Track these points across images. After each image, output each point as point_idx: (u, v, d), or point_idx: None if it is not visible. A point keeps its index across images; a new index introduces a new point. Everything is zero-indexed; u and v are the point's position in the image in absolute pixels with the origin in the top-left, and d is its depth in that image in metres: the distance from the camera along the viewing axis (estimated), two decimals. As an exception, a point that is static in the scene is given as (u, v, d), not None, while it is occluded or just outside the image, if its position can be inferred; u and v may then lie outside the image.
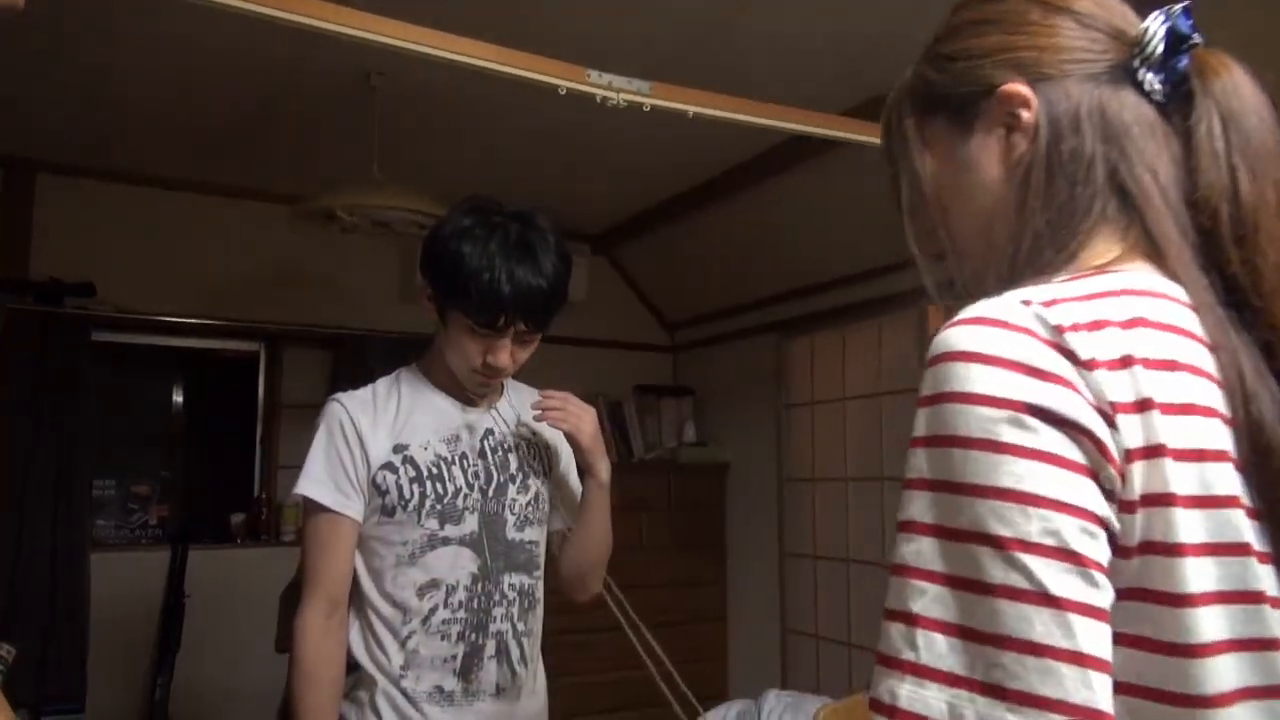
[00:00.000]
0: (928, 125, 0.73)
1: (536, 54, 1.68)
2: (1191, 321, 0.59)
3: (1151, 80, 0.66)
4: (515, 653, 1.48)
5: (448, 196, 1.53)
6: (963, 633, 0.51)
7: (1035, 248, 0.65)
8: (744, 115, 1.87)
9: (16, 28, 2.23)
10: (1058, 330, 0.55)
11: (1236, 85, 0.65)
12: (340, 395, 1.50)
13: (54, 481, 3.20)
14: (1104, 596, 0.51)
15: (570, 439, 1.51)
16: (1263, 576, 0.55)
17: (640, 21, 2.29)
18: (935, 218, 0.72)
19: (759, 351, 3.94)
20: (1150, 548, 0.53)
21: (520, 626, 1.50)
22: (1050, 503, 0.51)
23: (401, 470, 1.45)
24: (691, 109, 1.79)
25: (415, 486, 1.45)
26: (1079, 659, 0.49)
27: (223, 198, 3.61)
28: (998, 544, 0.51)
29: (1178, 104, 0.66)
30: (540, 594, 1.55)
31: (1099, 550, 0.52)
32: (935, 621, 0.51)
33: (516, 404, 1.59)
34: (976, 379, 0.54)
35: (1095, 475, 0.53)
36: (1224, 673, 0.53)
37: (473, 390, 1.51)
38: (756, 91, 1.94)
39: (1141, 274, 0.62)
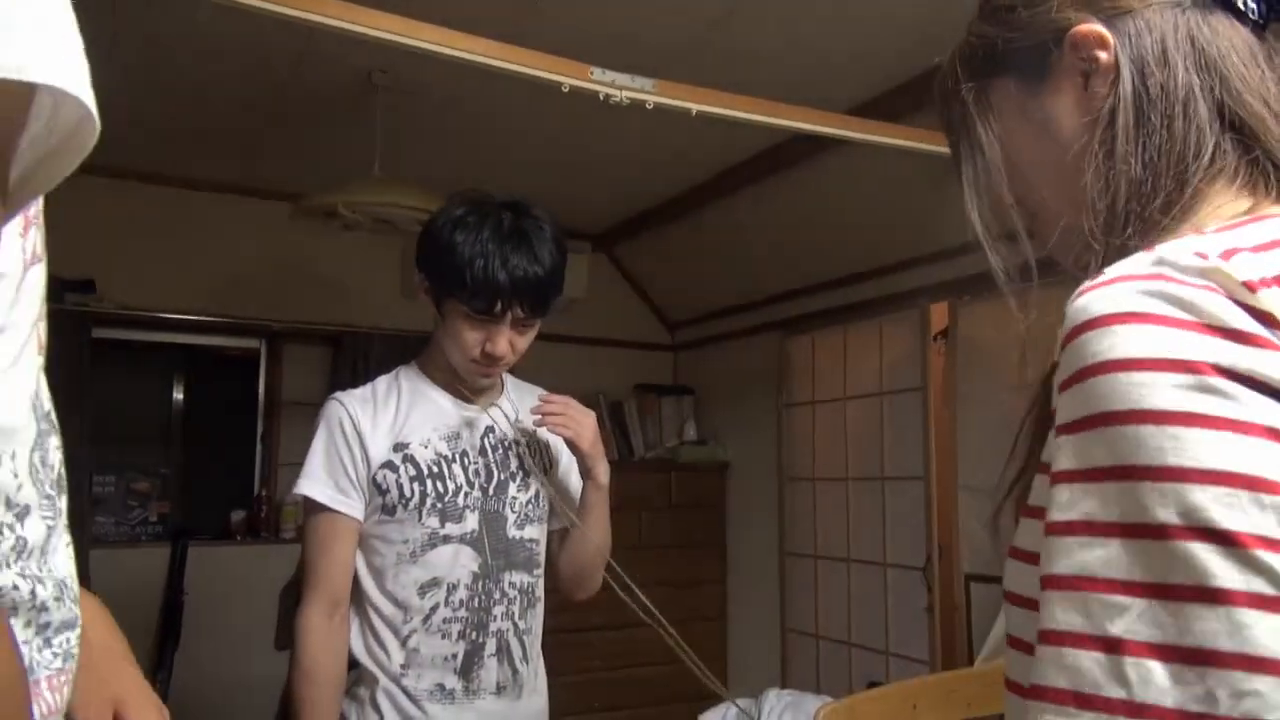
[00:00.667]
0: (992, 88, 0.66)
1: (540, 51, 1.67)
2: None
3: None
4: (516, 651, 1.48)
5: (449, 194, 1.53)
6: (1189, 656, 0.40)
7: (1136, 196, 0.57)
8: (747, 113, 1.87)
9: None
10: (1247, 287, 0.45)
11: None
12: (340, 394, 1.50)
13: (54, 478, 3.20)
14: None
15: (571, 445, 1.51)
16: None
17: (644, 19, 2.29)
18: (1011, 189, 0.65)
19: (760, 350, 3.94)
20: None
21: (521, 625, 1.49)
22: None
23: (402, 469, 1.44)
24: (695, 107, 1.79)
25: (416, 485, 1.44)
26: None
27: (224, 194, 3.60)
28: (1227, 539, 0.41)
29: (1277, 25, 0.59)
30: (541, 592, 1.55)
31: None
32: (1146, 645, 0.41)
33: (517, 402, 1.59)
34: (1143, 341, 0.44)
35: None
36: None
37: (472, 382, 1.51)
38: (759, 90, 1.94)
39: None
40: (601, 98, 1.70)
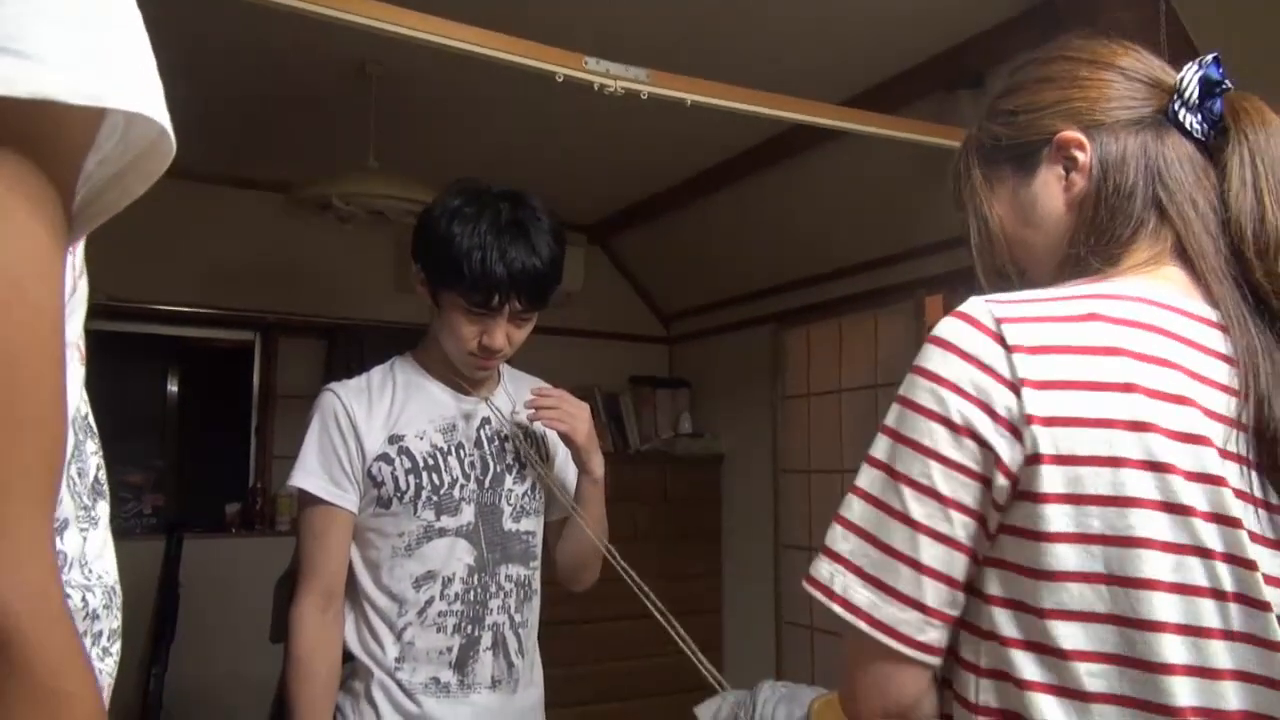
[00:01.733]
0: (994, 174, 0.85)
1: (534, 41, 1.66)
2: (1167, 320, 0.70)
3: (1192, 121, 0.77)
4: (512, 644, 1.48)
5: (444, 186, 1.52)
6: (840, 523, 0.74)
7: (1079, 266, 0.78)
8: (742, 104, 1.86)
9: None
10: (998, 322, 0.69)
11: (1266, 123, 0.75)
12: (334, 385, 1.49)
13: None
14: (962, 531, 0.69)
15: (565, 438, 1.49)
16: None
17: (638, 9, 2.28)
18: (1005, 253, 0.84)
19: (755, 343, 3.94)
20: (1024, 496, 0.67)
21: (517, 618, 1.49)
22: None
23: (397, 461, 1.44)
24: (689, 97, 1.78)
25: (411, 478, 1.44)
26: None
27: (218, 186, 3.58)
28: (885, 469, 0.71)
29: (1219, 141, 0.77)
30: (537, 585, 1.55)
31: (969, 498, 0.68)
32: (845, 517, 0.74)
33: (514, 393, 1.58)
34: (929, 355, 0.71)
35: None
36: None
37: (469, 375, 1.50)
38: (755, 80, 1.93)
39: (1140, 281, 0.74)
40: (596, 88, 1.69)
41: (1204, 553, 0.64)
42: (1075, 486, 0.65)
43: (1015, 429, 0.66)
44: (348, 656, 1.45)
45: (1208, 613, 0.64)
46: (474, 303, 1.40)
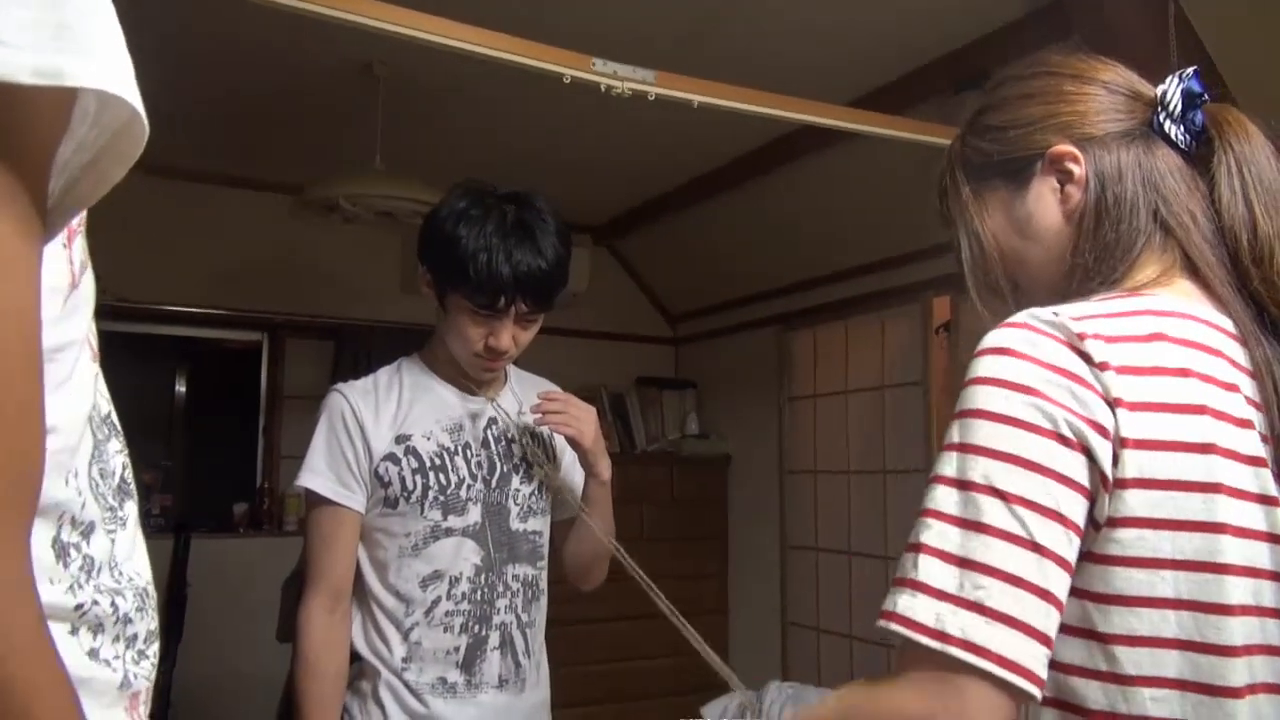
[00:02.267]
0: (985, 189, 0.84)
1: (541, 42, 1.67)
2: (1210, 337, 0.70)
3: (1176, 132, 0.78)
4: (519, 644, 1.48)
5: (450, 187, 1.52)
6: (958, 560, 0.66)
7: (1084, 279, 0.77)
8: (749, 105, 1.86)
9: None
10: (1079, 336, 0.67)
11: (1248, 133, 0.76)
12: (341, 385, 1.49)
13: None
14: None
15: (573, 443, 1.49)
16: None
17: (645, 10, 2.28)
18: (999, 268, 0.83)
19: (761, 344, 3.93)
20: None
21: (524, 618, 1.49)
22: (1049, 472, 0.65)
23: (404, 461, 1.44)
24: (696, 99, 1.78)
25: (418, 477, 1.44)
26: None
27: (225, 187, 3.60)
28: (1002, 495, 0.64)
29: (1202, 151, 0.78)
30: (544, 584, 1.55)
31: (1081, 517, 0.65)
32: (936, 549, 0.66)
33: (520, 393, 1.58)
34: (997, 366, 0.67)
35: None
36: None
37: (475, 376, 1.50)
38: (762, 81, 1.93)
39: (1169, 296, 0.73)
40: (603, 89, 1.69)
41: (1274, 576, 0.66)
42: (1155, 511, 0.64)
43: (1115, 451, 0.65)
44: (355, 657, 1.45)
45: (1273, 633, 0.65)
46: (479, 304, 1.40)
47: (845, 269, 3.43)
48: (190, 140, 3.25)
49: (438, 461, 1.46)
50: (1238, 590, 0.64)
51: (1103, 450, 0.64)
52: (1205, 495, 0.64)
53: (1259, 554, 0.65)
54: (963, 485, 0.65)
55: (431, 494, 1.44)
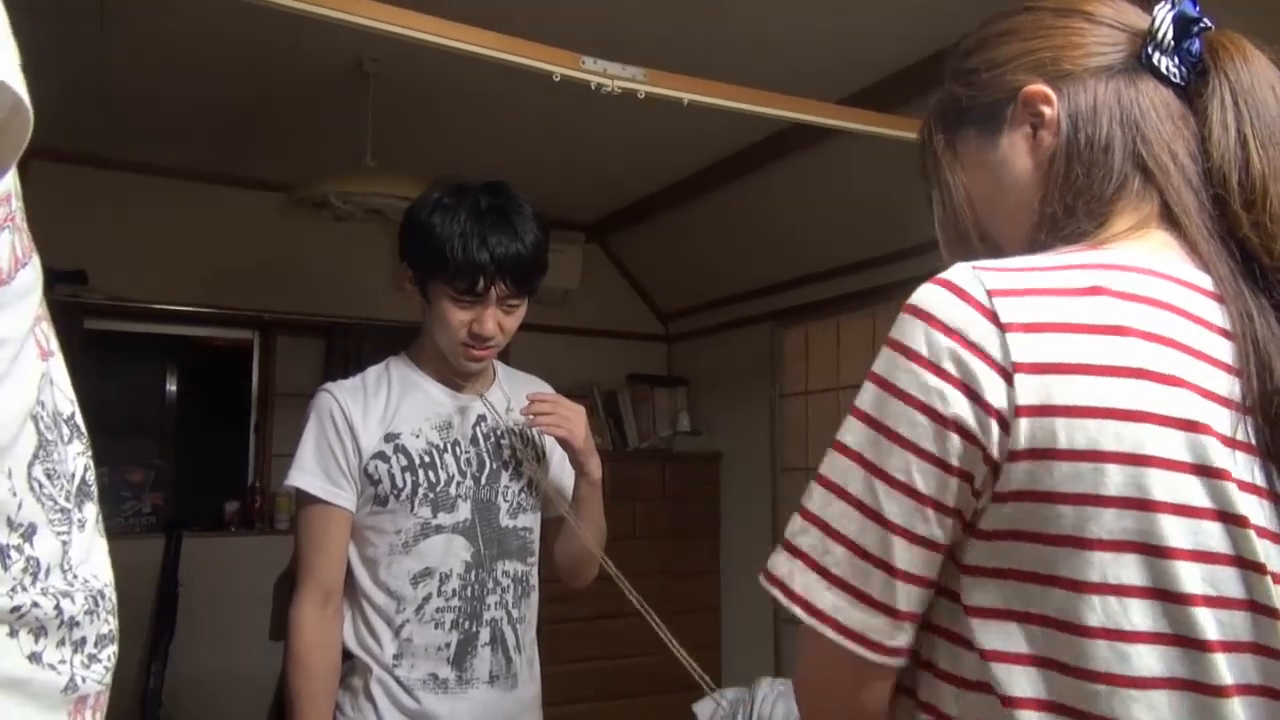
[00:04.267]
0: (958, 139, 0.78)
1: (531, 40, 1.67)
2: (1175, 294, 0.63)
3: (1168, 64, 0.70)
4: (510, 640, 1.48)
5: (431, 183, 1.53)
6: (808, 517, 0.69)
7: (1052, 230, 0.70)
8: (740, 103, 1.86)
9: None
10: (989, 294, 0.61)
11: (1248, 61, 0.68)
12: (330, 384, 1.50)
13: (46, 469, 3.18)
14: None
15: (563, 443, 1.50)
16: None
17: (635, 8, 2.28)
18: (970, 222, 0.77)
19: (753, 341, 3.94)
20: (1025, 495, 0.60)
21: (515, 614, 1.50)
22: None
23: (393, 459, 1.44)
24: (687, 96, 1.79)
25: (407, 475, 1.44)
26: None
27: (216, 185, 3.58)
28: (849, 454, 0.65)
29: (1198, 84, 0.70)
30: (535, 581, 1.55)
31: (950, 496, 0.61)
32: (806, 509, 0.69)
33: (509, 391, 1.58)
34: (902, 327, 0.64)
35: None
36: None
37: (462, 366, 1.50)
38: (752, 79, 1.94)
39: (1135, 248, 0.66)
40: (593, 87, 1.70)
41: (1209, 557, 0.58)
42: (1059, 486, 0.58)
43: (1005, 421, 0.59)
44: (346, 654, 1.46)
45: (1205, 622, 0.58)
46: (460, 290, 1.41)
47: (837, 266, 3.43)
48: (180, 138, 3.24)
49: (427, 459, 1.46)
50: (1191, 580, 0.57)
51: (981, 425, 0.59)
52: (1132, 468, 0.57)
53: (1209, 536, 0.57)
54: (842, 450, 0.65)
55: (421, 491, 1.44)
